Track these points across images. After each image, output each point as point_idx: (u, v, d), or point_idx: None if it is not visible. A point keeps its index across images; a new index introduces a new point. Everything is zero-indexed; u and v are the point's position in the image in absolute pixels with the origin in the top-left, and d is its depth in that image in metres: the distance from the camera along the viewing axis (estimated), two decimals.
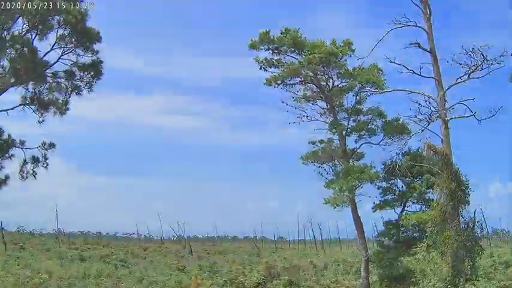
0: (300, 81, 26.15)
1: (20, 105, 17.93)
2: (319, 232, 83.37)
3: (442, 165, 16.42)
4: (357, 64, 24.77)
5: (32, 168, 18.29)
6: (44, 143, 18.48)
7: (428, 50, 17.64)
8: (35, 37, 17.10)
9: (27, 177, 18.30)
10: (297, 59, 25.66)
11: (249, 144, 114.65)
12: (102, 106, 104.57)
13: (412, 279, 22.63)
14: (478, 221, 16.85)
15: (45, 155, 18.49)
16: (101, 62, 18.33)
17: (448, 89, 17.61)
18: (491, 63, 16.87)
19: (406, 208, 25.38)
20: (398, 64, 17.58)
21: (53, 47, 17.51)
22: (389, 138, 25.17)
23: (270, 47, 25.49)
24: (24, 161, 18.25)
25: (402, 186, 25.44)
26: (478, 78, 17.29)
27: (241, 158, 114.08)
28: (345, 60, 25.60)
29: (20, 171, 18.22)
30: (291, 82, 26.07)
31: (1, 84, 17.14)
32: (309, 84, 26.37)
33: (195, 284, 24.70)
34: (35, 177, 18.53)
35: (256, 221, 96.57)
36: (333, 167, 26.47)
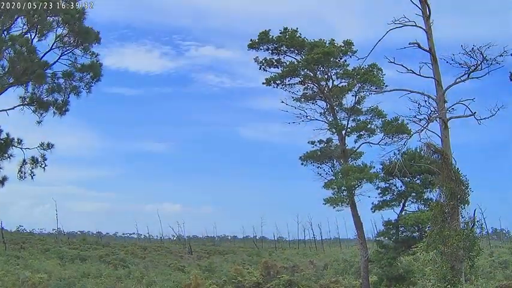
0: (299, 81, 26.17)
1: (19, 105, 17.88)
2: (319, 232, 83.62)
3: (442, 165, 16.38)
4: (356, 64, 24.80)
5: (30, 168, 18.25)
6: (42, 143, 18.42)
7: (428, 49, 17.60)
8: (34, 37, 17.08)
9: (25, 178, 18.26)
10: (296, 58, 25.69)
11: None
12: None
13: (412, 279, 22.67)
14: (477, 221, 16.81)
15: (44, 155, 18.45)
16: (100, 64, 18.27)
17: (447, 88, 17.57)
18: (491, 63, 16.88)
19: (405, 208, 25.35)
20: (398, 64, 17.54)
21: (52, 47, 17.49)
22: (389, 138, 25.17)
23: (269, 47, 25.51)
24: (24, 161, 18.20)
25: (401, 186, 25.40)
26: (478, 78, 17.30)
27: None
28: (345, 60, 25.64)
29: (19, 171, 18.17)
30: (291, 82, 26.11)
31: (0, 84, 17.09)
32: (308, 84, 26.39)
33: (195, 283, 24.67)
34: (32, 177, 18.47)
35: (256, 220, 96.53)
36: (332, 167, 26.50)
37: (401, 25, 17.57)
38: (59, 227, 65.79)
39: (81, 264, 36.60)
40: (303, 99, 26.49)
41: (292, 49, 25.39)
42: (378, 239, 26.89)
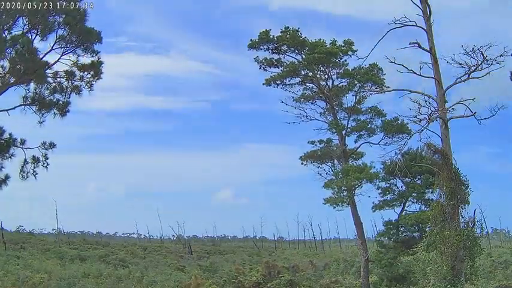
0: (299, 81, 26.15)
1: (20, 105, 17.92)
2: (319, 232, 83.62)
3: (442, 165, 16.41)
4: (356, 64, 24.81)
5: (32, 168, 18.27)
6: (44, 143, 18.46)
7: (428, 49, 17.62)
8: (35, 37, 17.12)
9: (27, 177, 18.29)
10: (296, 58, 25.67)
11: None
12: None
13: (412, 279, 22.68)
14: (477, 221, 16.86)
15: (46, 154, 18.48)
16: (101, 62, 18.29)
17: (448, 88, 17.62)
18: (491, 63, 16.91)
19: (405, 208, 25.39)
20: (399, 64, 17.56)
21: (53, 47, 17.52)
22: (389, 138, 25.22)
23: (270, 47, 25.47)
24: (25, 160, 18.23)
25: (402, 186, 25.45)
26: (478, 78, 17.33)
27: None
28: (345, 60, 25.64)
29: (21, 171, 18.20)
30: (291, 82, 26.08)
31: (1, 84, 17.13)
32: (308, 84, 26.36)
33: (195, 283, 24.69)
34: (35, 177, 18.49)
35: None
36: (332, 167, 26.50)
37: (402, 25, 17.60)
38: (59, 227, 65.80)
39: (81, 264, 36.56)
40: (302, 100, 26.49)
41: (292, 49, 25.37)
42: (378, 239, 26.93)
